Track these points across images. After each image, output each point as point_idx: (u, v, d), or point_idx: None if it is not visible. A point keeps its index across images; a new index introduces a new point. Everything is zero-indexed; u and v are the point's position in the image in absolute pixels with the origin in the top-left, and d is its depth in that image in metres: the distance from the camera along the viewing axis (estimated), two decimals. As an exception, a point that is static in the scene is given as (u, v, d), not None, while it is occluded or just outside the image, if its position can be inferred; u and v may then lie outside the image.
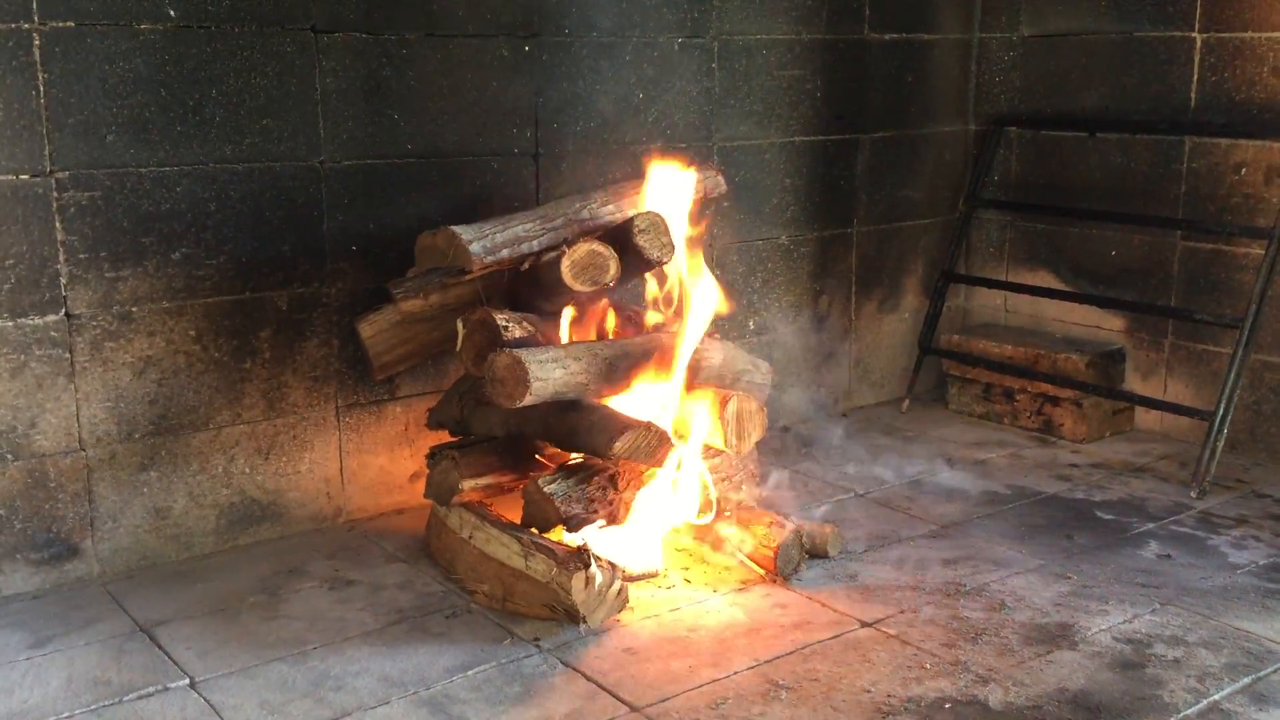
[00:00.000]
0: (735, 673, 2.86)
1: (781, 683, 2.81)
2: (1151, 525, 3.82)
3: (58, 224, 3.19)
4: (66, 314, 3.24)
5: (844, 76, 4.75)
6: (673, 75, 4.26)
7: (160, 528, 3.46)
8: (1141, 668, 2.89)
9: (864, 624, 3.12)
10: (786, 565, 3.37)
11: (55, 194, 3.17)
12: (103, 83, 3.20)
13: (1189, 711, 2.70)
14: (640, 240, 3.36)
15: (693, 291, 3.44)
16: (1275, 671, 2.87)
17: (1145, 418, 4.82)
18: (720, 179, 3.84)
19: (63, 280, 3.22)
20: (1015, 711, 2.69)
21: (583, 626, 3.04)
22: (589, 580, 3.00)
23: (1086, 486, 4.18)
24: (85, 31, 3.15)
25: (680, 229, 3.45)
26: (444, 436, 3.67)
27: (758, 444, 3.48)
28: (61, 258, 3.21)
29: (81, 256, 3.23)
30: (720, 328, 4.49)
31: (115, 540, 3.39)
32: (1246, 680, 2.83)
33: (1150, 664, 2.91)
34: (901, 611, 3.19)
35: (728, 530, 3.38)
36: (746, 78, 4.47)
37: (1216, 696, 2.76)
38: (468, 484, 3.36)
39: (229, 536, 3.59)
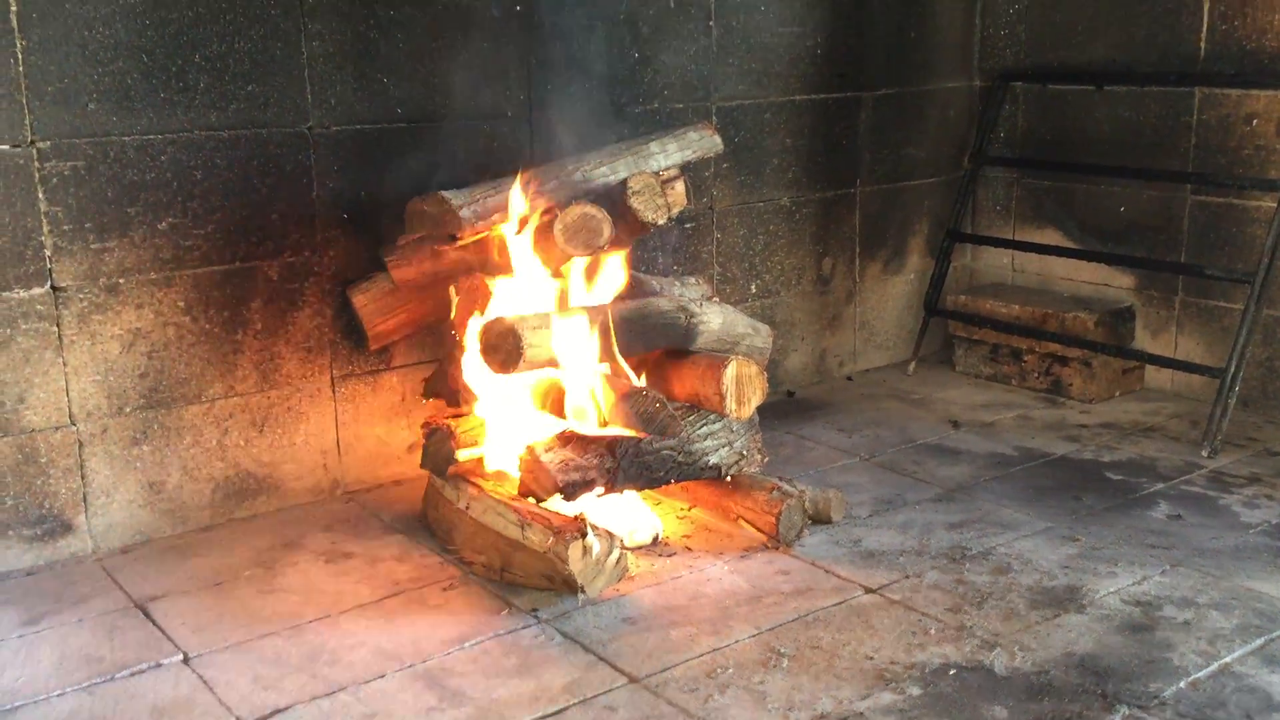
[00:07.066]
0: (736, 641, 2.82)
1: (783, 651, 2.76)
2: (1161, 485, 3.75)
3: (40, 195, 3.13)
4: (52, 286, 3.18)
5: (844, 33, 4.65)
6: (669, 34, 4.17)
7: (154, 502, 3.42)
8: (1151, 630, 2.84)
9: (868, 590, 3.07)
10: (789, 531, 3.32)
11: (37, 164, 3.11)
12: (83, 49, 3.13)
13: (1199, 675, 2.64)
14: (634, 202, 3.30)
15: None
16: (1288, 633, 2.82)
17: (1155, 376, 4.74)
18: (717, 139, 3.75)
19: (47, 252, 3.16)
20: (1021, 676, 2.64)
21: (581, 596, 2.99)
22: (586, 550, 2.95)
23: (1095, 447, 4.11)
24: (63, -3, 3.08)
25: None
26: (441, 406, 3.61)
27: (759, 409, 3.42)
28: (45, 229, 3.15)
29: (66, 228, 3.17)
30: (722, 292, 4.44)
31: (109, 516, 3.35)
32: (1258, 642, 2.78)
33: (1160, 626, 2.86)
34: (906, 577, 3.14)
35: None
36: (744, 35, 4.37)
37: (1228, 659, 2.71)
38: (464, 454, 3.31)
39: (224, 510, 3.54)
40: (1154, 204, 4.62)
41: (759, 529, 3.35)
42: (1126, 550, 3.27)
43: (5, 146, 3.06)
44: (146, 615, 2.99)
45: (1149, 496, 3.66)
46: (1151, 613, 2.92)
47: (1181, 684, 2.61)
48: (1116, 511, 3.55)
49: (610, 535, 3.04)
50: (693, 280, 3.80)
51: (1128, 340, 4.71)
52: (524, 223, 3.31)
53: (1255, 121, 4.28)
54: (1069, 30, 4.82)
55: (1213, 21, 4.36)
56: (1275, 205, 4.09)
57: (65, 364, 3.23)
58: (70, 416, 3.26)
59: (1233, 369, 4.06)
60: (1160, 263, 4.59)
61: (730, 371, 3.21)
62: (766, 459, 3.51)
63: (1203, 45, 4.40)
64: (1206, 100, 4.41)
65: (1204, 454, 3.99)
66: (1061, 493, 3.70)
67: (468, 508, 3.23)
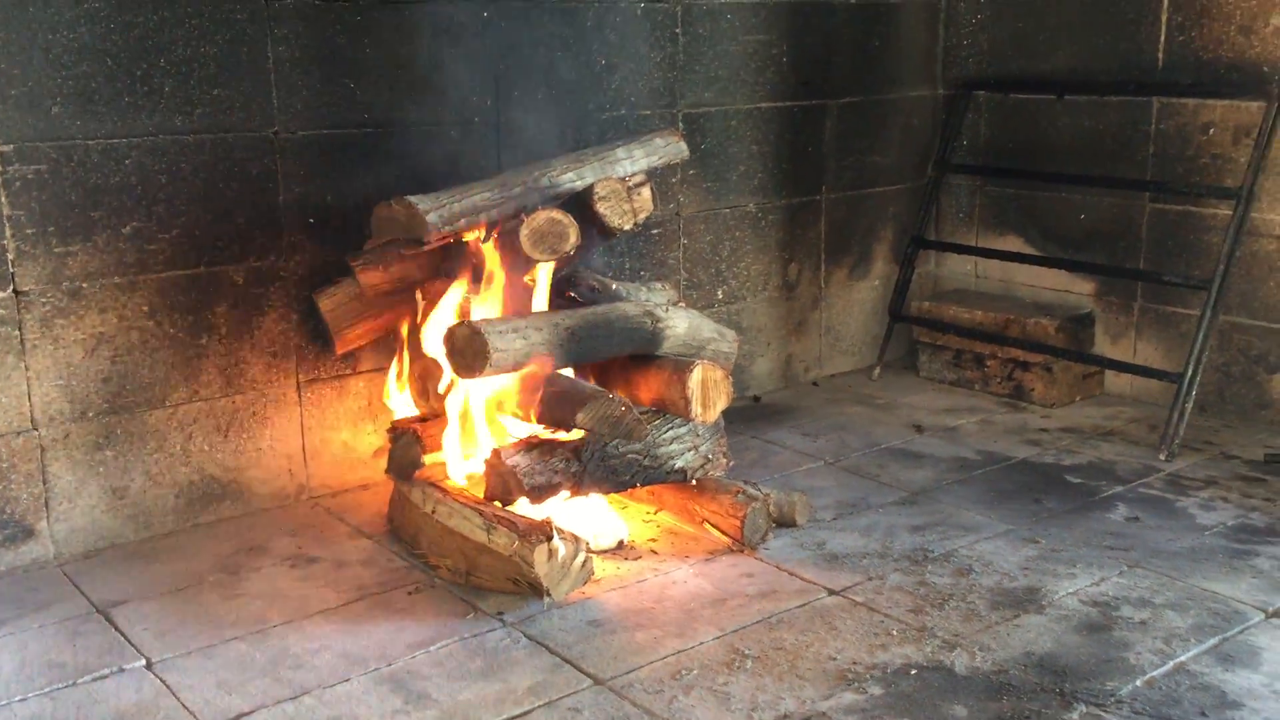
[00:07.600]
0: (701, 643, 2.84)
1: (747, 652, 2.79)
2: (1120, 488, 3.81)
3: (3, 199, 3.11)
4: (15, 291, 3.16)
5: (810, 41, 4.69)
6: (635, 41, 4.19)
7: (118, 507, 3.40)
8: (1108, 630, 2.88)
9: (831, 592, 3.10)
10: (754, 534, 3.34)
11: (0, 168, 3.10)
12: (46, 53, 3.11)
13: (1155, 673, 2.69)
14: (601, 208, 3.32)
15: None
16: (1242, 632, 2.87)
17: (1115, 381, 4.81)
18: (683, 145, 3.78)
19: (10, 256, 3.14)
20: (981, 676, 2.67)
21: (546, 600, 3.00)
22: (551, 553, 2.96)
23: (1056, 451, 4.16)
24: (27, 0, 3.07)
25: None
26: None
27: (725, 413, 3.44)
28: (8, 233, 3.13)
29: (29, 232, 3.16)
30: (688, 297, 4.46)
31: (71, 521, 3.33)
32: (1213, 641, 2.82)
33: (1117, 626, 2.90)
34: (869, 579, 3.17)
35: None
36: (711, 43, 4.41)
37: (1183, 658, 2.75)
38: (430, 458, 3.32)
39: (189, 515, 3.53)
40: (1114, 211, 4.69)
41: (724, 532, 3.38)
42: (1085, 552, 3.32)
43: (-33, 150, 3.05)
44: (109, 620, 2.98)
45: (1108, 499, 3.72)
46: (1109, 613, 2.97)
47: (1138, 682, 2.65)
48: (1076, 514, 3.60)
49: (576, 538, 3.05)
50: (659, 285, 3.82)
51: (1088, 346, 4.78)
52: (490, 227, 3.32)
53: (1212, 130, 4.36)
54: (1031, 40, 4.88)
55: (1170, 33, 4.44)
56: (1231, 213, 4.17)
57: (27, 368, 3.21)
58: (32, 421, 3.24)
59: (1190, 374, 4.13)
60: (1120, 269, 4.66)
61: (696, 376, 3.23)
62: (732, 463, 3.54)
63: (1161, 56, 4.47)
64: (1164, 110, 4.49)
65: (1161, 457, 4.05)
66: (1022, 496, 3.75)
67: (433, 511, 3.24)
